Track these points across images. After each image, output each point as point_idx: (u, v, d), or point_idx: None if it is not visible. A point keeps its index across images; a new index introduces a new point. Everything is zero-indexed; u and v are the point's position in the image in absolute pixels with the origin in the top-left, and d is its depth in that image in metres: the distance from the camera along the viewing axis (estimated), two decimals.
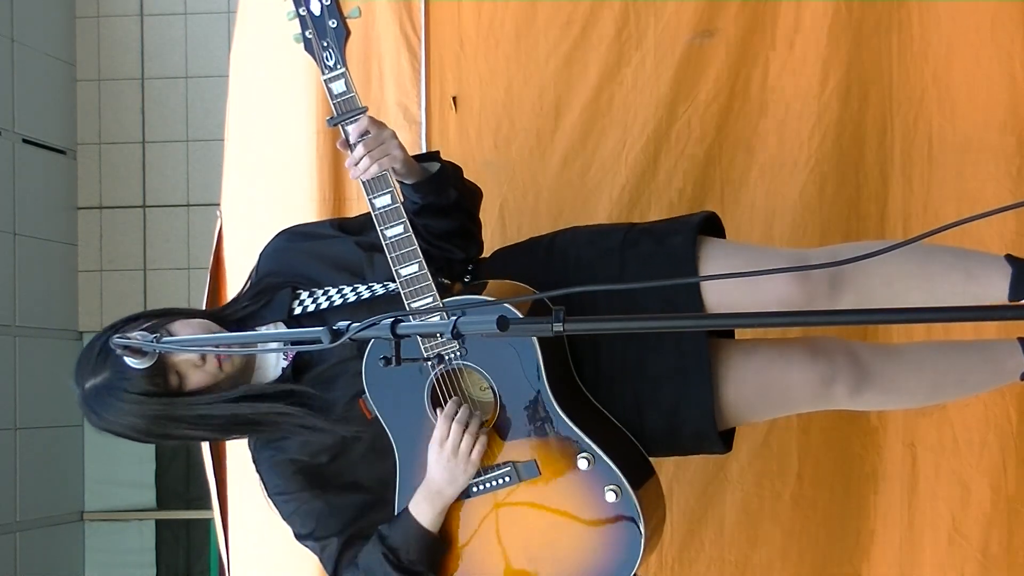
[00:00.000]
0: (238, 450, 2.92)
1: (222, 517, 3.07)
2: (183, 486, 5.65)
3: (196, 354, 2.12)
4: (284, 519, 2.28)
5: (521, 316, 2.04)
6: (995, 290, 2.23)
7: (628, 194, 2.92)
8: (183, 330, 2.15)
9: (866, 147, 2.86)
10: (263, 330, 2.24)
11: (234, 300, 2.33)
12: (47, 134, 5.48)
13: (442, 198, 2.24)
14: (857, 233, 2.85)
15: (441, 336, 2.00)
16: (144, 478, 5.60)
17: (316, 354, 2.23)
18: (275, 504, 2.28)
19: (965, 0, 2.81)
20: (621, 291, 2.25)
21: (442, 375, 2.15)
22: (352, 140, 2.11)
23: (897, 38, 2.84)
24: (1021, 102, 2.80)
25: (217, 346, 2.13)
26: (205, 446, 3.03)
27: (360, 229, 2.31)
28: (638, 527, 2.14)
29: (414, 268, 2.10)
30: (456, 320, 1.52)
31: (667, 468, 2.87)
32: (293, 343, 1.81)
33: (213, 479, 3.04)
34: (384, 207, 2.12)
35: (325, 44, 2.10)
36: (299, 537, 2.28)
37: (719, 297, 2.25)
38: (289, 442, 2.24)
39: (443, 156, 2.32)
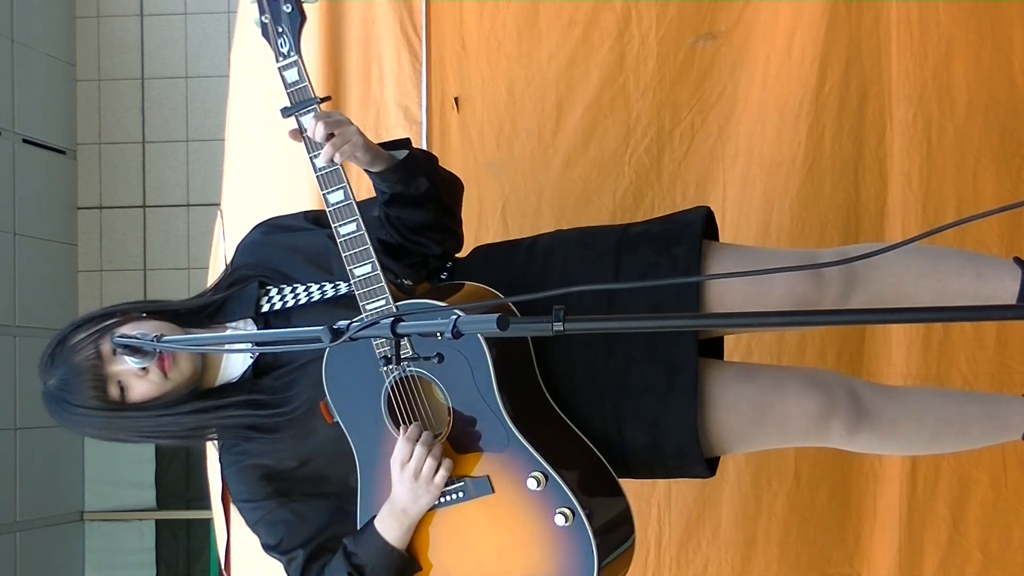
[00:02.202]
0: None
1: (225, 516, 3.06)
2: (183, 486, 5.64)
3: (136, 365, 2.05)
4: (249, 527, 2.23)
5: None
6: (1006, 292, 2.20)
7: (631, 195, 2.92)
8: (132, 333, 2.07)
9: (865, 146, 2.86)
10: (232, 326, 2.18)
11: (203, 293, 2.26)
12: (47, 134, 5.48)
13: (411, 187, 2.13)
14: (856, 232, 2.85)
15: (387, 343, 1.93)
16: (144, 478, 5.59)
17: (278, 355, 2.17)
18: (240, 511, 2.23)
19: (965, 0, 2.82)
20: (608, 299, 2.16)
21: (399, 381, 2.08)
22: (308, 132, 2.02)
23: (897, 37, 2.84)
24: (1020, 103, 2.80)
25: (220, 346, 2.12)
26: (209, 445, 3.02)
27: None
28: (591, 553, 2.02)
29: (367, 268, 2.02)
30: (456, 320, 1.50)
31: None
32: (293, 342, 1.79)
33: (211, 478, 3.03)
34: (337, 203, 2.02)
35: (280, 30, 2.01)
36: (265, 547, 2.22)
37: (722, 305, 2.19)
38: (255, 446, 2.18)
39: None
